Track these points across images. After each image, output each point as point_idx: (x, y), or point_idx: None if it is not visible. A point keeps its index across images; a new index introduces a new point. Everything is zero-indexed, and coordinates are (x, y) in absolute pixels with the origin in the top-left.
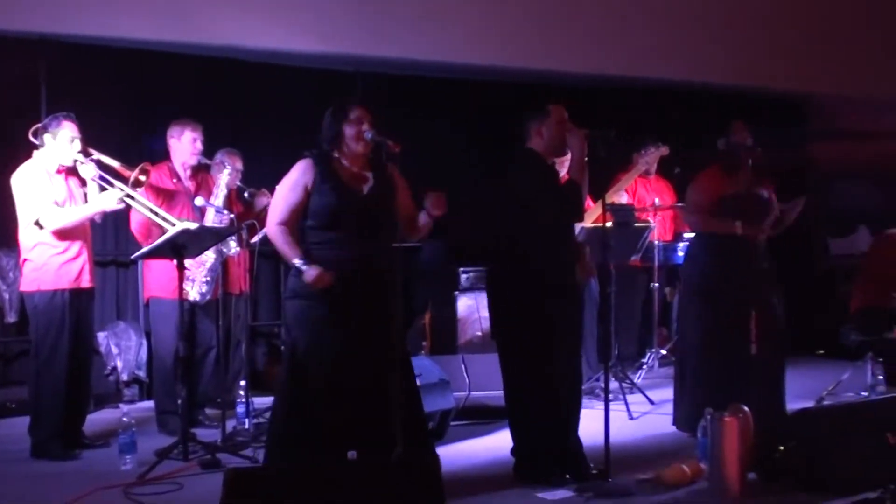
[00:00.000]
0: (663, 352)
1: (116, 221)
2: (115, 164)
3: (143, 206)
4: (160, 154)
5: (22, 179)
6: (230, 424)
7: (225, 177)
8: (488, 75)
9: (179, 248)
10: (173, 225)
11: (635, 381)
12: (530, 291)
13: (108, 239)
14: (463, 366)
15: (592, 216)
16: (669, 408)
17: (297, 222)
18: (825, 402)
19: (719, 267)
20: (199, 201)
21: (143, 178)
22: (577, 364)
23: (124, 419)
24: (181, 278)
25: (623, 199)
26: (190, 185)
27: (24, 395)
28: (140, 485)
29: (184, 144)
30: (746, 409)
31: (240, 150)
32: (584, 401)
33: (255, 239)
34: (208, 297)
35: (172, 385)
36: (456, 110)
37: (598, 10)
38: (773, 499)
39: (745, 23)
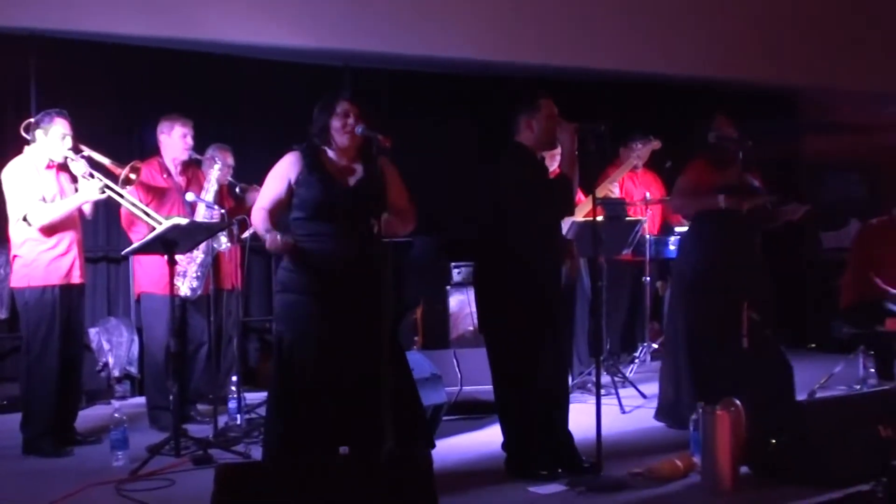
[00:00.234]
0: (655, 346)
1: (108, 217)
2: (105, 161)
3: (127, 202)
4: (151, 150)
5: (10, 175)
6: (222, 420)
7: (215, 172)
8: (478, 70)
9: (170, 244)
10: (159, 223)
11: (627, 375)
12: (518, 285)
13: (100, 235)
14: (455, 360)
15: (583, 210)
16: None
17: (280, 213)
18: (817, 396)
19: (711, 261)
20: (189, 197)
21: (133, 176)
22: (565, 358)
23: (116, 415)
24: (172, 274)
25: (615, 192)
26: (180, 180)
27: (15, 391)
28: (132, 481)
29: (174, 140)
30: (738, 402)
31: (230, 145)
32: (576, 395)
33: (247, 234)
34: (199, 292)
35: (164, 381)
36: (445, 105)
37: (587, 4)
38: (766, 492)
39: (734, 16)
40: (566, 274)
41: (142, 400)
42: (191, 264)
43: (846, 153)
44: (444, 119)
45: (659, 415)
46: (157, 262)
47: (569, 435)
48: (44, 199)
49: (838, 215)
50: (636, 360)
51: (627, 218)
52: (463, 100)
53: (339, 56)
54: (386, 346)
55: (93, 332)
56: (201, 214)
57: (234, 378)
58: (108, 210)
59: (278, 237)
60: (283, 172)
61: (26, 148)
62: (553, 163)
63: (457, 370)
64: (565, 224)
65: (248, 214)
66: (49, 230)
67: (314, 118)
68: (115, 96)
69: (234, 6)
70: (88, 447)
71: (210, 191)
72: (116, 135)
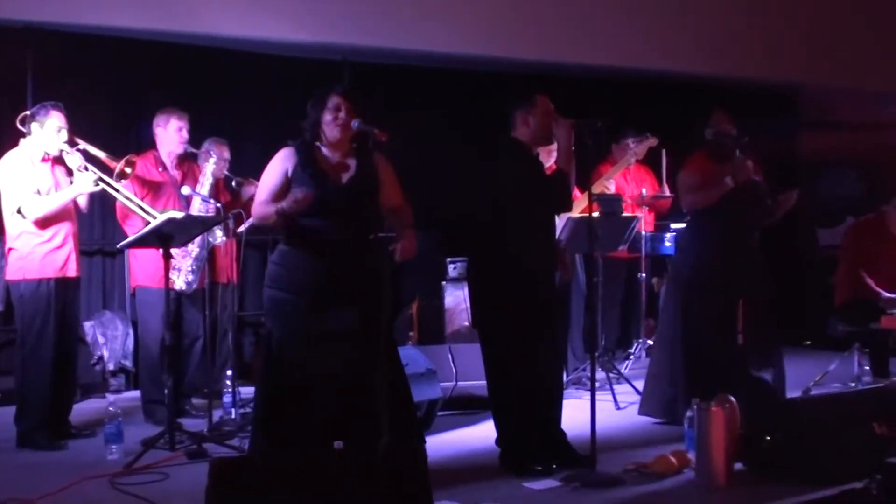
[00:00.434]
0: (650, 342)
1: (103, 211)
2: (101, 154)
3: (122, 196)
4: (147, 143)
5: (5, 168)
6: (216, 414)
7: (211, 165)
8: (476, 65)
9: (166, 238)
10: (153, 217)
11: (622, 371)
12: (513, 281)
13: (95, 228)
14: (450, 356)
15: (579, 207)
16: None
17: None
18: (812, 393)
19: (709, 259)
20: (185, 190)
21: (128, 169)
22: (559, 353)
23: (110, 409)
24: (167, 267)
25: (610, 189)
26: (176, 174)
27: (9, 384)
28: (126, 474)
29: (170, 133)
30: (733, 399)
31: (227, 139)
32: (571, 390)
33: (242, 228)
34: (194, 286)
35: (159, 375)
36: (443, 99)
37: (586, 2)
38: (760, 489)
39: (733, 13)
40: (559, 277)
41: (136, 393)
42: (186, 258)
43: (844, 151)
44: (441, 114)
45: (643, 409)
46: (153, 255)
47: (561, 432)
48: (38, 192)
49: (835, 213)
50: (631, 357)
51: (623, 214)
52: (461, 95)
53: (337, 50)
54: (381, 343)
55: (88, 325)
56: (196, 208)
57: (229, 372)
58: (103, 203)
59: (297, 194)
60: (279, 166)
61: (22, 141)
62: (549, 159)
63: (452, 365)
64: (561, 220)
65: (244, 208)
66: (44, 223)
67: (307, 113)
68: (111, 90)
69: (231, 0)
70: (83, 440)
71: (205, 184)
72: (112, 128)
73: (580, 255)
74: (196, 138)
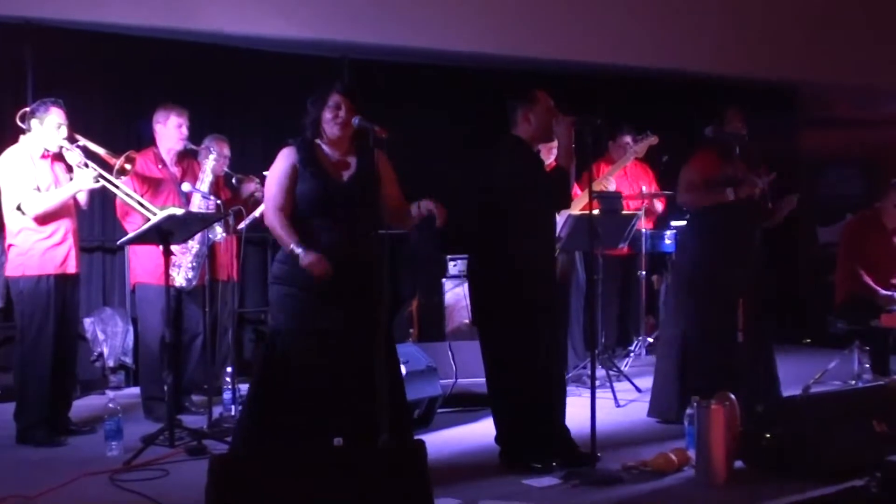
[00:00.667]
0: (650, 340)
1: (103, 207)
2: (100, 151)
3: (122, 193)
4: (147, 140)
5: (5, 164)
6: (216, 411)
7: (211, 162)
8: (476, 62)
9: (166, 234)
10: (153, 214)
11: (622, 368)
12: (512, 278)
13: (95, 224)
14: (450, 353)
15: (580, 204)
16: None
17: (293, 207)
18: (812, 391)
19: (710, 257)
20: (185, 187)
21: (128, 166)
22: (560, 350)
23: (110, 405)
24: (167, 264)
25: (611, 187)
26: (175, 170)
27: (9, 381)
28: (126, 471)
29: (169, 130)
30: (733, 396)
31: (227, 136)
32: (571, 388)
33: (242, 225)
34: (194, 283)
35: (159, 371)
36: (443, 96)
37: None
38: (760, 486)
39: (733, 11)
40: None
41: (136, 390)
42: (186, 255)
43: (844, 148)
44: (441, 111)
45: (653, 411)
46: (153, 252)
47: (565, 428)
48: (38, 189)
49: (835, 210)
50: (631, 354)
51: (624, 212)
52: (460, 92)
53: (337, 48)
54: (381, 340)
55: (88, 321)
56: (197, 205)
57: (229, 369)
58: (103, 200)
59: (318, 258)
60: (286, 164)
61: (22, 137)
62: (550, 156)
63: (452, 363)
64: (561, 218)
65: (244, 205)
66: (44, 219)
67: (307, 111)
68: (111, 86)
69: None
70: (83, 437)
71: (205, 181)
72: (112, 125)
73: (579, 252)
74: (196, 135)
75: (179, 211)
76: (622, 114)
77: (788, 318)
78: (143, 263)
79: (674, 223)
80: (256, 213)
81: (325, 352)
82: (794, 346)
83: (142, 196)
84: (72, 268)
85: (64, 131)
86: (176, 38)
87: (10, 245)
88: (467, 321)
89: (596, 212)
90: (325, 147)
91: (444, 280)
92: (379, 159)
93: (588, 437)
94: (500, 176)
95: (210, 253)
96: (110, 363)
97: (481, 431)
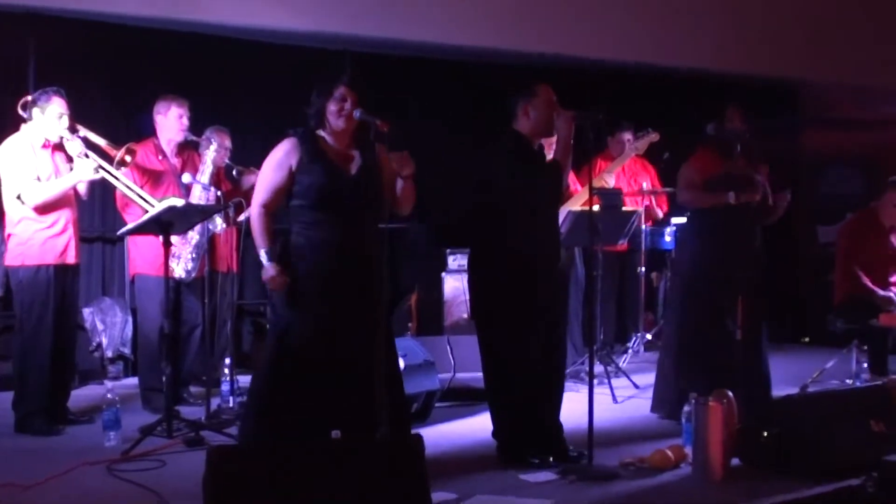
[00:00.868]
0: (649, 336)
1: (103, 198)
2: (101, 142)
3: (121, 184)
4: (147, 131)
5: (5, 153)
6: (214, 402)
7: (211, 153)
8: (477, 57)
9: (166, 225)
10: (152, 206)
11: (620, 365)
12: (509, 273)
13: (95, 215)
14: (448, 347)
15: (580, 200)
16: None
17: (280, 203)
18: (810, 389)
19: (709, 254)
20: (185, 178)
21: (128, 158)
22: (559, 346)
23: (109, 395)
24: (167, 255)
25: (610, 183)
26: (176, 162)
27: (8, 370)
28: (124, 461)
29: (170, 120)
30: (731, 394)
31: (228, 127)
32: (569, 384)
33: (243, 217)
34: (194, 274)
35: (157, 362)
36: (445, 90)
37: None
38: (757, 484)
39: (736, 9)
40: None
41: (135, 381)
42: (186, 246)
43: (846, 148)
44: (442, 105)
45: (655, 407)
46: (152, 243)
47: (558, 424)
48: (39, 179)
49: (836, 210)
50: (629, 351)
51: (624, 209)
52: (462, 86)
53: (338, 40)
54: (381, 333)
55: (87, 312)
56: (197, 196)
57: (228, 361)
58: (103, 190)
59: (277, 273)
60: (283, 160)
61: (23, 126)
62: (551, 151)
63: (450, 357)
64: (561, 213)
65: (245, 197)
66: (44, 209)
67: (311, 101)
68: (112, 76)
69: None
70: (81, 427)
71: (205, 172)
72: (113, 115)
73: (579, 248)
74: (197, 127)
75: (180, 202)
76: (623, 110)
77: (788, 316)
78: (142, 254)
79: (674, 220)
80: None
81: (325, 345)
82: (792, 345)
83: (142, 187)
84: (71, 258)
85: (65, 121)
86: (178, 29)
87: (9, 234)
88: (466, 315)
89: (596, 208)
90: (327, 138)
91: (443, 274)
92: (381, 153)
93: (585, 432)
94: (496, 171)
95: (210, 244)
96: (109, 353)
97: (479, 426)
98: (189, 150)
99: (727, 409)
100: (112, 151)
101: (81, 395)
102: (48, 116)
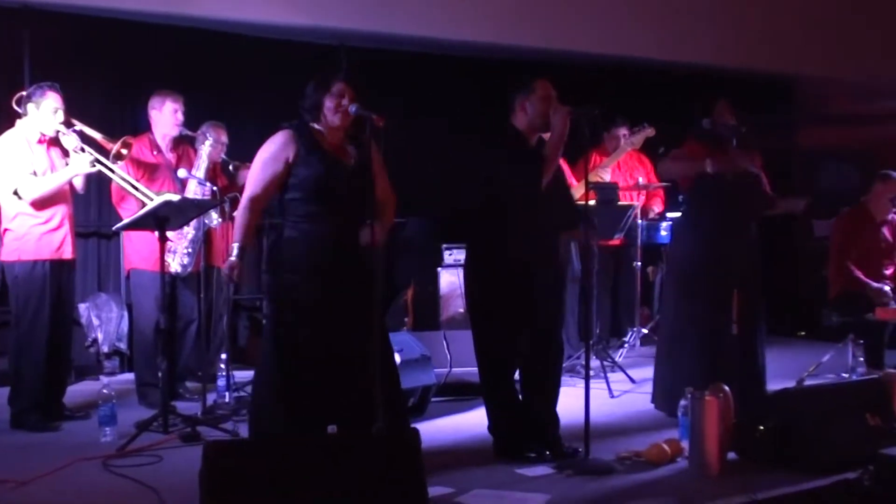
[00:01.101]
0: (645, 331)
1: (99, 193)
2: (97, 136)
3: (118, 177)
4: (143, 126)
5: (1, 149)
6: (210, 398)
7: (206, 148)
8: (474, 52)
9: (161, 220)
10: (150, 198)
11: (616, 359)
12: (502, 267)
13: (91, 210)
14: (445, 342)
15: (576, 195)
16: (650, 386)
17: (270, 196)
18: (806, 383)
19: (704, 248)
20: (181, 173)
21: (124, 151)
22: (554, 340)
23: (104, 391)
24: (163, 250)
25: (606, 177)
26: (171, 156)
27: (3, 365)
28: (120, 457)
29: (165, 115)
30: (727, 388)
31: (224, 122)
32: (565, 378)
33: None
34: (189, 269)
35: (153, 357)
36: (441, 86)
37: None
38: (753, 478)
39: (733, 4)
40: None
41: (130, 376)
42: (181, 241)
43: (841, 142)
44: (438, 100)
45: (655, 401)
46: (148, 238)
47: (555, 419)
48: (35, 174)
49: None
50: (625, 345)
51: (619, 203)
52: (458, 81)
53: (334, 35)
54: (376, 327)
55: (82, 307)
56: (192, 191)
57: (224, 356)
58: (99, 185)
59: (231, 270)
60: (279, 152)
61: (18, 121)
62: None
63: (446, 351)
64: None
65: (240, 192)
66: (40, 204)
67: (307, 94)
68: (108, 71)
69: None
70: (76, 422)
71: (201, 167)
72: (109, 110)
73: (575, 243)
74: (193, 122)
75: (175, 197)
76: (619, 105)
77: (783, 310)
78: (138, 249)
79: (669, 214)
80: None
81: (320, 339)
82: (788, 339)
83: (136, 182)
84: (68, 253)
85: (60, 116)
86: (173, 23)
87: (6, 230)
88: (462, 310)
89: (592, 202)
90: (323, 132)
91: (439, 269)
92: (373, 150)
93: (582, 427)
94: (488, 166)
95: (206, 239)
96: (105, 349)
97: (475, 420)
98: (184, 144)
99: (723, 403)
100: (108, 145)
101: (77, 391)
102: (43, 111)
